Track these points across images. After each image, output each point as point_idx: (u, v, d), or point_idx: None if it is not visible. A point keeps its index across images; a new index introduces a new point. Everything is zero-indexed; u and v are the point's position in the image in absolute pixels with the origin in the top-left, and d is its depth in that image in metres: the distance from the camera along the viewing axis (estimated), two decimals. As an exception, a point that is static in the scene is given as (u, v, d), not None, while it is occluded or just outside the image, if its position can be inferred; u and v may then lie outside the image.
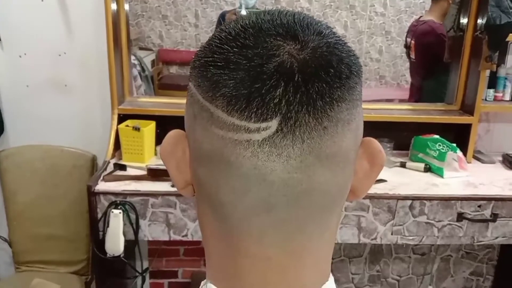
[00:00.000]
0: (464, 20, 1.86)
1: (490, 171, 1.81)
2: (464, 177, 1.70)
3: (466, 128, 1.86)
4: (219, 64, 0.34)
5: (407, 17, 3.62)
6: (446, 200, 1.55)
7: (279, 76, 0.32)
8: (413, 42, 2.09)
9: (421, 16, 2.25)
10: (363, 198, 1.48)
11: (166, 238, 1.57)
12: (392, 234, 1.57)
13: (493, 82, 1.91)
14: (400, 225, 1.55)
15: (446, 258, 2.14)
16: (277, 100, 0.32)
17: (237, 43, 0.34)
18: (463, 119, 1.86)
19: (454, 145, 1.73)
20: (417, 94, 2.24)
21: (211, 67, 0.34)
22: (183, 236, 1.56)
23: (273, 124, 0.32)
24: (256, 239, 0.36)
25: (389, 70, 3.44)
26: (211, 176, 0.36)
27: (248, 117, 0.32)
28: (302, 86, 0.32)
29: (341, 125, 0.34)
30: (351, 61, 0.35)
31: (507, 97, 1.94)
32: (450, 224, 1.57)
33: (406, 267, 2.16)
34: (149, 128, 1.73)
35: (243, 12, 2.10)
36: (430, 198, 1.54)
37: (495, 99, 1.93)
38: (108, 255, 1.50)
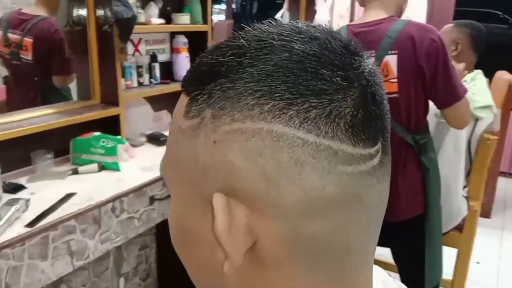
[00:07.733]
0: (80, 14, 1.84)
1: (148, 151, 1.97)
2: (137, 164, 1.78)
3: (112, 119, 1.92)
4: (328, 92, 0.29)
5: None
6: (139, 189, 1.59)
7: (373, 93, 0.31)
8: (30, 40, 1.88)
9: (21, 9, 2.02)
10: (68, 221, 1.32)
11: None
12: (101, 244, 1.48)
13: (121, 72, 2.03)
14: (107, 231, 1.49)
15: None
16: (381, 118, 0.32)
17: (330, 65, 0.30)
18: (112, 111, 1.90)
19: (119, 137, 1.76)
20: (33, 98, 2.03)
21: (318, 98, 0.29)
22: None
23: (379, 144, 0.32)
24: (365, 263, 0.35)
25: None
26: (335, 223, 0.31)
27: (370, 143, 0.31)
28: (384, 99, 0.33)
29: None
30: None
31: (135, 84, 2.12)
32: (145, 210, 1.64)
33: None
34: None
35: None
36: (127, 193, 1.54)
37: (127, 87, 2.07)
38: None
